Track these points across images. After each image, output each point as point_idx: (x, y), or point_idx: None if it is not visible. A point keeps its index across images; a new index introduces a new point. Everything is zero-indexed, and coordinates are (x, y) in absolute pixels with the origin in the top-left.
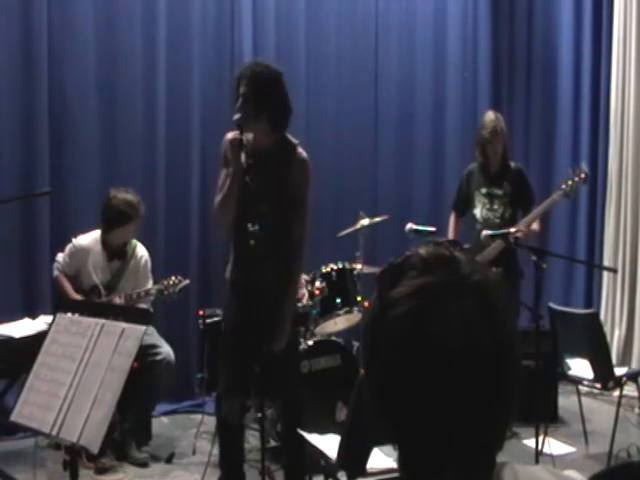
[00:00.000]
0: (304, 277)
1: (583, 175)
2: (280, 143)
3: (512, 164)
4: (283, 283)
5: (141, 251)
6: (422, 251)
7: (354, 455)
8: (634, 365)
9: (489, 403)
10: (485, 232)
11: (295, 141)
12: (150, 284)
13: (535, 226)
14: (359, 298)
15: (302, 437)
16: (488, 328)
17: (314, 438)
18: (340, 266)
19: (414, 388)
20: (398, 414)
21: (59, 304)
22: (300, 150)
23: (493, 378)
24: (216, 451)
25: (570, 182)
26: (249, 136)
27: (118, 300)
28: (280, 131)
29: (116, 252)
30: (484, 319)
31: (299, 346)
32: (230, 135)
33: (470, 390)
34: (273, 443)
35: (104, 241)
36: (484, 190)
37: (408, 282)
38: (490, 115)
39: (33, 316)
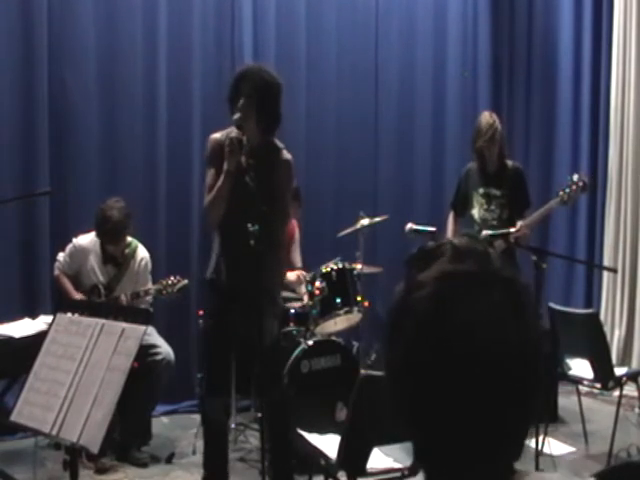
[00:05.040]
0: (304, 275)
1: (582, 184)
2: (267, 144)
3: (510, 163)
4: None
5: (142, 253)
6: (456, 241)
7: (354, 455)
8: (634, 365)
9: (508, 400)
10: (485, 233)
11: (281, 145)
12: (150, 286)
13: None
14: (359, 298)
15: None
16: (515, 323)
17: (314, 438)
18: (340, 266)
19: (432, 372)
20: (415, 400)
21: (60, 304)
22: (285, 152)
23: (515, 375)
24: None
25: (568, 190)
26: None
27: (124, 298)
28: (269, 137)
29: (114, 257)
30: (512, 314)
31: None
32: (219, 134)
33: (490, 382)
34: None
35: (103, 244)
36: (481, 190)
37: (438, 267)
38: (487, 118)
39: (33, 316)
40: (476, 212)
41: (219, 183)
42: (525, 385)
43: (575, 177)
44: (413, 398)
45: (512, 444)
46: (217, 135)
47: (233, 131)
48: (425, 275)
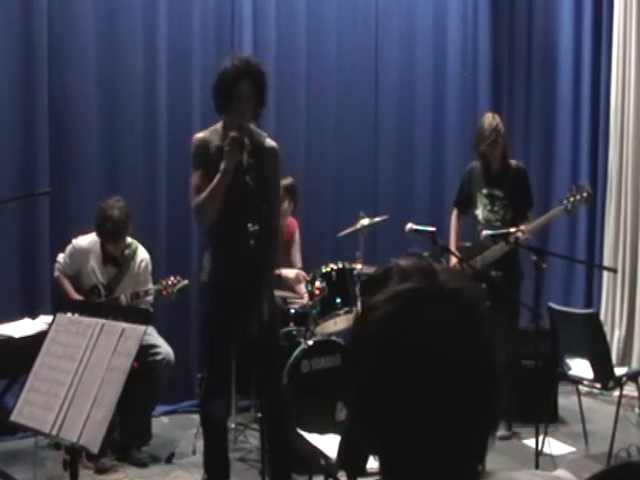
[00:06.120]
0: (304, 275)
1: (586, 194)
2: (250, 136)
3: (513, 163)
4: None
5: (142, 254)
6: (401, 262)
7: (354, 455)
8: (634, 365)
9: (467, 407)
10: (485, 232)
11: (263, 133)
12: (150, 286)
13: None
14: None
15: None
16: (466, 334)
17: (314, 438)
18: (340, 266)
19: (390, 390)
20: (375, 418)
21: (60, 305)
22: (269, 139)
23: (471, 382)
24: None
25: (572, 199)
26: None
27: (124, 299)
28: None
29: (114, 257)
30: (461, 326)
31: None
32: (202, 134)
33: (447, 395)
34: None
35: (103, 244)
36: (485, 191)
37: (387, 289)
38: (489, 120)
39: (33, 316)
40: (480, 212)
41: (214, 183)
42: (481, 390)
43: (579, 187)
44: (377, 417)
45: (476, 448)
46: (201, 135)
47: (218, 129)
48: (376, 299)
